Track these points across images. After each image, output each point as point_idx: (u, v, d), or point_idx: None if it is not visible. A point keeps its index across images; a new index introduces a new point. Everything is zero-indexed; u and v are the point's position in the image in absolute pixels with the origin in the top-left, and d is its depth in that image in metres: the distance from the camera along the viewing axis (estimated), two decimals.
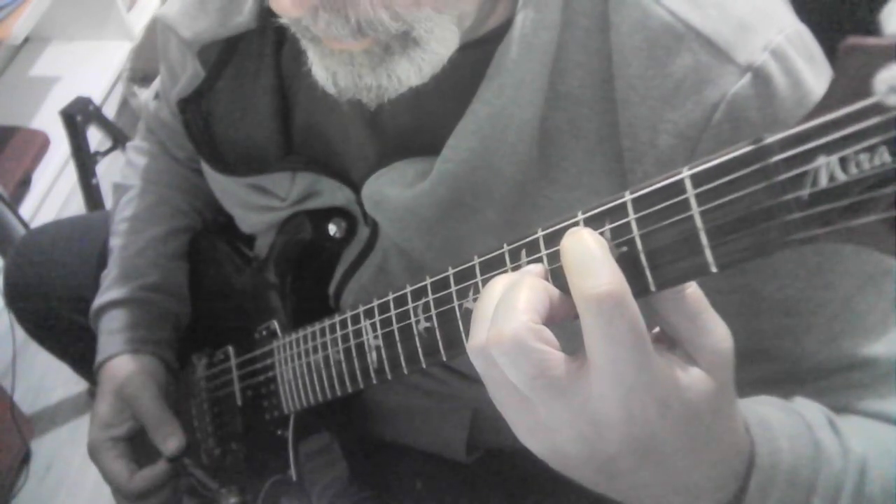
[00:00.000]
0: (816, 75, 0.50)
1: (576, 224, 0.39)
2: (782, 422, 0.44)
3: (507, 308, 0.35)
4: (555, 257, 0.40)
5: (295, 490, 0.72)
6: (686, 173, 0.33)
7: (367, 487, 0.79)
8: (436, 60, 0.50)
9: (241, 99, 0.69)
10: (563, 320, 0.38)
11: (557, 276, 0.38)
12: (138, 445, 0.79)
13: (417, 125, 0.60)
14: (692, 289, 0.36)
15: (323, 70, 0.50)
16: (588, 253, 0.34)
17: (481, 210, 0.57)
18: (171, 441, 0.76)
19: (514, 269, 0.43)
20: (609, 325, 0.33)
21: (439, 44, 0.49)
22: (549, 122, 0.54)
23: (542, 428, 0.37)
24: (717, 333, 0.36)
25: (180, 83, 0.72)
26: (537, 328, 0.35)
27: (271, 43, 0.67)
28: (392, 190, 0.60)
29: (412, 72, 0.49)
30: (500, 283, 0.38)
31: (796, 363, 0.53)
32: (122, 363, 0.79)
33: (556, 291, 0.37)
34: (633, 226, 0.35)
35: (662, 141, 0.50)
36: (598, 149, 0.53)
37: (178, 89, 0.72)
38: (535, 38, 0.52)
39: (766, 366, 0.53)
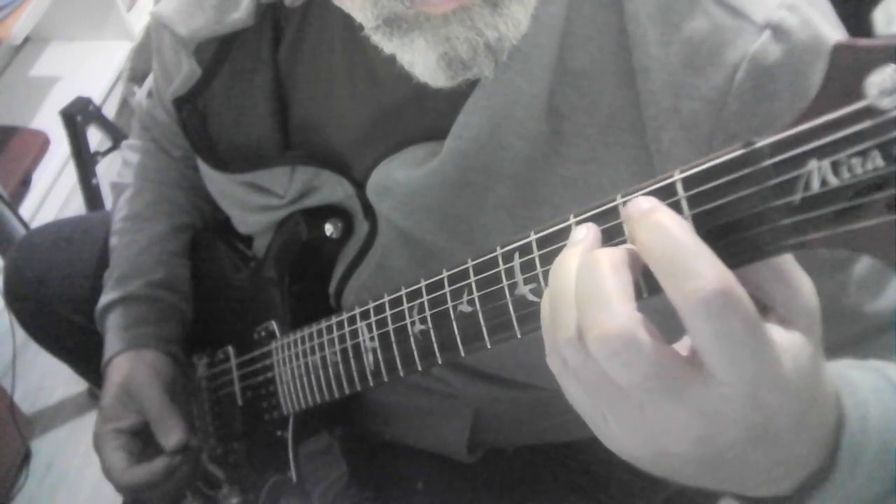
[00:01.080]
0: (833, 27, 0.50)
1: (567, 228, 0.38)
2: (864, 378, 0.42)
3: (600, 299, 0.31)
4: (548, 258, 0.39)
5: (295, 491, 0.72)
6: (678, 176, 0.33)
7: (368, 488, 0.79)
8: None
9: (238, 96, 0.69)
10: (649, 291, 0.34)
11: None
12: (144, 441, 0.78)
13: (423, 111, 0.59)
14: None
15: (435, 52, 0.48)
16: (678, 246, 0.30)
17: (492, 188, 0.57)
18: (172, 435, 0.75)
19: (507, 271, 0.43)
20: (721, 325, 0.29)
21: None
22: (558, 98, 0.54)
23: (647, 428, 0.34)
24: (807, 291, 0.34)
25: (175, 82, 0.72)
26: (642, 318, 0.31)
27: (268, 40, 0.67)
28: (401, 172, 0.59)
29: (522, 13, 0.48)
30: (571, 261, 0.34)
31: (854, 323, 0.51)
32: (128, 359, 0.79)
33: (634, 253, 0.33)
34: (625, 229, 0.35)
35: (686, 106, 0.50)
36: (613, 122, 0.53)
37: (174, 88, 0.71)
38: (542, 10, 0.51)
39: (826, 332, 0.52)
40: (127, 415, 0.77)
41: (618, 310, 0.31)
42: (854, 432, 0.38)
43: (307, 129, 0.68)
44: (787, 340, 0.33)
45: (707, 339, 0.30)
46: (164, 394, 0.77)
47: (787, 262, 0.33)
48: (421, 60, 0.49)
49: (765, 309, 0.34)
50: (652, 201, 0.32)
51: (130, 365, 0.78)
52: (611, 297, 0.31)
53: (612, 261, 0.32)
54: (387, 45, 0.50)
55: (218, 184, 0.75)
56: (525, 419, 0.75)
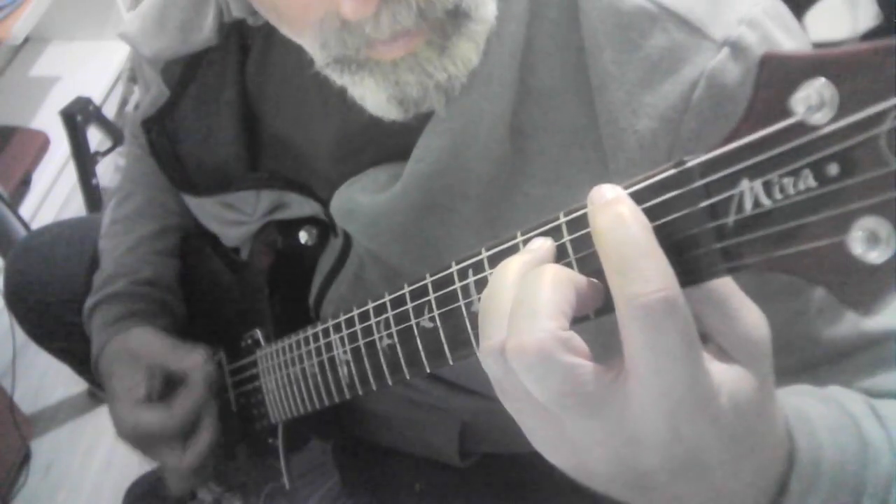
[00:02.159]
0: (797, 42, 0.49)
1: (515, 246, 0.37)
2: (822, 414, 0.40)
3: (528, 311, 0.31)
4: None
5: (290, 499, 0.72)
6: None
7: (364, 494, 0.78)
8: (486, 30, 0.49)
9: (205, 117, 0.69)
10: (596, 311, 0.33)
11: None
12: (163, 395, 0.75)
13: (387, 131, 0.59)
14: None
15: (385, 92, 0.49)
16: (634, 245, 0.29)
17: (457, 210, 0.56)
18: (191, 356, 0.72)
19: (463, 288, 0.42)
20: (657, 337, 0.28)
21: (486, 10, 0.48)
22: (520, 117, 0.53)
23: (568, 445, 0.33)
24: (750, 319, 0.32)
25: (145, 101, 0.71)
26: (566, 336, 0.30)
27: (234, 59, 0.66)
28: (364, 197, 0.58)
29: (472, 50, 0.49)
30: (511, 270, 0.33)
31: (813, 348, 0.50)
32: (117, 340, 0.77)
33: (582, 280, 0.32)
34: (569, 248, 0.34)
35: (643, 125, 0.49)
36: (575, 141, 0.52)
37: (143, 108, 0.71)
38: (501, 29, 0.51)
39: (782, 358, 0.51)
40: (139, 381, 0.73)
41: (542, 324, 0.30)
42: (804, 476, 0.37)
43: (276, 146, 0.67)
44: (723, 374, 0.31)
45: (640, 347, 0.29)
46: (163, 336, 0.75)
47: (729, 289, 0.32)
48: (371, 97, 0.50)
49: (704, 338, 0.32)
50: (617, 190, 0.31)
51: (121, 339, 0.76)
52: (539, 311, 0.30)
53: (554, 275, 0.31)
54: (338, 79, 0.50)
55: (193, 202, 0.74)
56: (513, 429, 0.74)
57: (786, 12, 0.50)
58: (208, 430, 0.72)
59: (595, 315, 0.33)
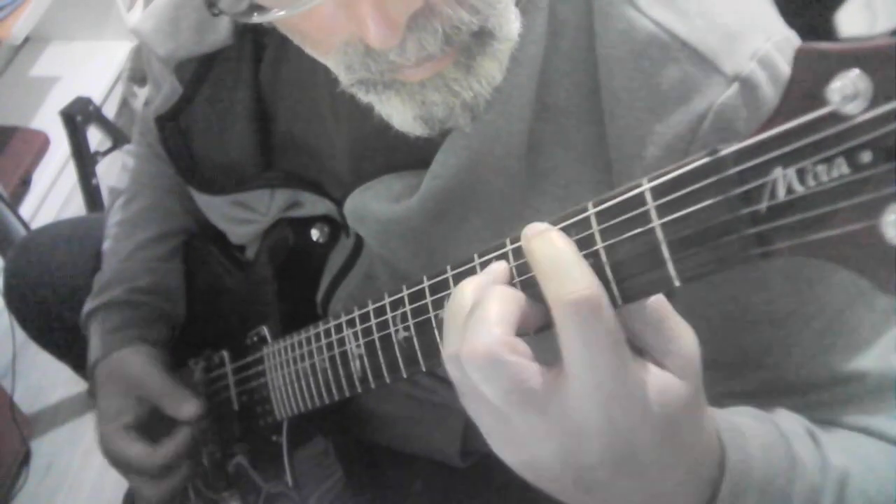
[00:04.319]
0: None
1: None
2: (755, 430, 0.43)
3: (479, 320, 0.35)
4: (525, 267, 0.39)
5: (292, 496, 0.72)
6: (646, 185, 0.33)
7: (365, 491, 0.78)
8: (509, 48, 0.49)
9: (219, 115, 0.69)
10: (535, 329, 0.37)
11: (529, 285, 0.37)
12: (148, 430, 0.77)
13: (401, 141, 0.59)
14: (653, 297, 0.35)
15: (412, 112, 0.49)
16: (560, 256, 0.34)
17: (468, 221, 0.57)
18: (186, 407, 0.74)
19: None
20: (587, 331, 0.33)
21: (509, 28, 0.49)
22: (536, 135, 0.53)
23: (518, 441, 0.36)
24: (684, 338, 0.36)
25: (158, 99, 0.72)
26: (511, 341, 0.34)
27: (249, 59, 0.66)
28: (377, 204, 0.59)
29: (496, 68, 0.49)
30: (468, 288, 0.37)
31: (783, 375, 0.52)
32: (116, 358, 0.78)
33: (524, 300, 0.37)
34: (597, 238, 0.35)
35: (650, 153, 0.49)
36: (587, 160, 0.53)
37: (156, 105, 0.71)
38: (521, 52, 0.51)
39: (751, 376, 0.52)
40: (129, 409, 0.76)
41: (491, 330, 0.34)
42: (733, 483, 0.39)
43: (289, 146, 0.68)
44: (654, 375, 0.35)
45: (570, 343, 0.33)
46: (164, 372, 0.77)
47: (662, 310, 0.36)
48: (397, 115, 0.50)
49: (640, 352, 0.36)
50: (545, 224, 0.36)
51: (120, 359, 0.78)
52: (488, 319, 0.35)
53: (502, 293, 0.36)
54: (363, 97, 0.50)
55: (203, 199, 0.75)
56: None
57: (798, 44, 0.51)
58: (181, 475, 0.75)
59: (534, 332, 0.37)
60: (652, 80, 0.49)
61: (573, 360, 0.33)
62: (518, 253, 0.40)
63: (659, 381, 0.35)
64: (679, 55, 0.49)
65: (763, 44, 0.48)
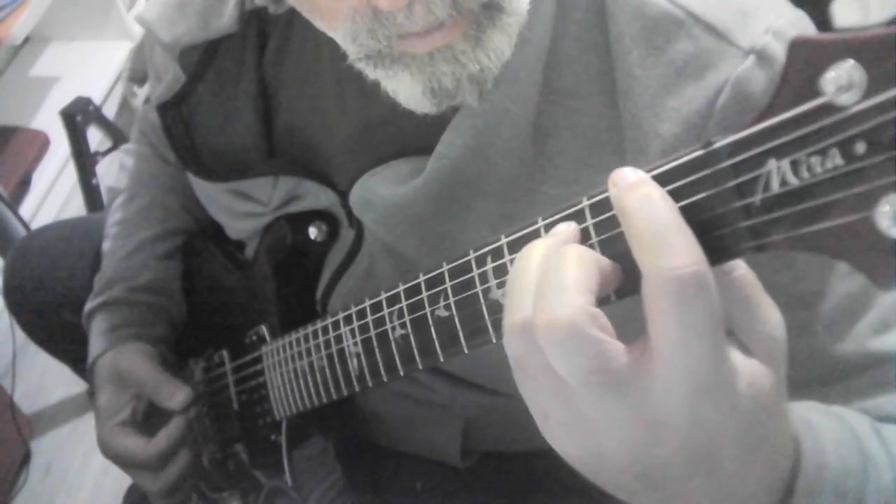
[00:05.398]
0: None
1: (536, 232, 0.38)
2: (828, 426, 0.40)
3: (557, 287, 0.31)
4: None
5: (292, 495, 0.72)
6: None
7: (365, 491, 0.78)
8: (518, 22, 0.49)
9: (222, 103, 0.69)
10: (616, 295, 0.33)
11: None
12: (148, 426, 0.78)
13: (408, 126, 0.59)
14: (742, 271, 0.32)
15: (420, 85, 0.49)
16: (663, 221, 0.29)
17: (475, 205, 0.57)
18: (177, 396, 0.75)
19: (480, 275, 0.42)
20: (687, 312, 0.28)
21: (518, 1, 0.48)
22: (544, 117, 0.53)
23: (585, 428, 0.32)
24: (773, 320, 0.33)
25: (161, 87, 0.71)
26: (595, 312, 0.30)
27: (253, 46, 0.66)
28: (384, 188, 0.59)
29: (505, 42, 0.49)
30: (537, 251, 0.33)
31: (817, 363, 0.50)
32: (112, 354, 0.79)
33: (606, 262, 0.33)
34: (592, 231, 0.34)
35: (666, 129, 0.49)
36: (597, 143, 0.53)
37: (159, 93, 0.71)
38: (528, 32, 0.51)
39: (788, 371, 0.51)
40: (124, 405, 0.77)
41: (571, 300, 0.30)
42: (809, 479, 0.37)
43: (292, 136, 0.68)
44: (744, 364, 0.32)
45: (666, 322, 0.29)
46: (154, 364, 0.78)
47: (752, 287, 0.32)
48: (405, 90, 0.50)
49: (727, 333, 0.32)
50: (639, 173, 0.31)
51: (115, 355, 0.78)
52: (567, 286, 0.30)
53: (579, 254, 0.32)
54: (370, 73, 0.50)
55: (204, 191, 0.75)
56: (516, 427, 0.74)
57: (809, 24, 0.51)
58: (179, 465, 0.75)
59: (616, 297, 0.34)
60: (666, 55, 0.49)
61: (666, 342, 0.29)
62: (512, 247, 0.39)
63: (748, 371, 0.31)
64: (693, 30, 0.49)
65: (776, 20, 0.48)
